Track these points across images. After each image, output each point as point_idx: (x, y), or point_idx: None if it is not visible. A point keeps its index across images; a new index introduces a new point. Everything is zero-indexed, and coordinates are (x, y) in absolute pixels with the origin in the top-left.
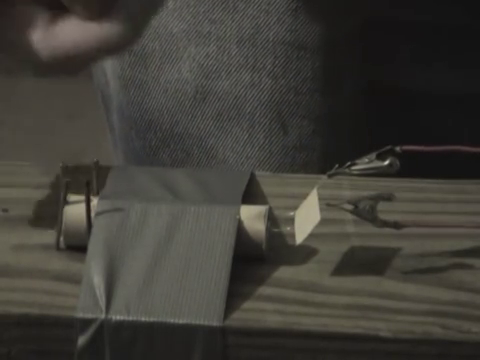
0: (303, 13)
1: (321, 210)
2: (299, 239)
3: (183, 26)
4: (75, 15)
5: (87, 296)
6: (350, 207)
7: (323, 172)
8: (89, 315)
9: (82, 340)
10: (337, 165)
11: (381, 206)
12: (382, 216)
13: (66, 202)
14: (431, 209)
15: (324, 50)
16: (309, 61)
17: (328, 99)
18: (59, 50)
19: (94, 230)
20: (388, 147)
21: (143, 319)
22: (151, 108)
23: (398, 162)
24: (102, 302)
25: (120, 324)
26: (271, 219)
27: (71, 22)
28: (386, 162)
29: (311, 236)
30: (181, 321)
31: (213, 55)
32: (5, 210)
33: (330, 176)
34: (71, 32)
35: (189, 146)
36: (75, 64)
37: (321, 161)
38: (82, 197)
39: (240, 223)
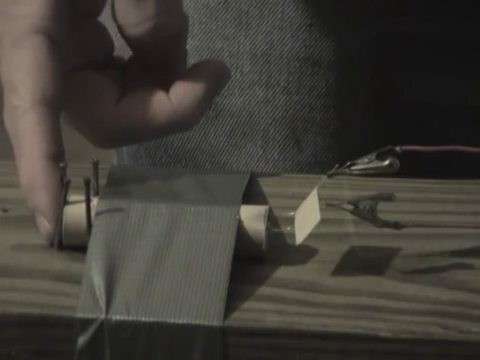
0: (317, 29)
1: (321, 210)
2: (299, 239)
3: (195, 43)
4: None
5: (87, 296)
6: (350, 207)
7: None
8: (89, 315)
9: (82, 340)
10: (337, 165)
11: (381, 206)
12: (382, 216)
13: (66, 202)
14: (431, 209)
15: (338, 65)
16: (323, 77)
17: (342, 114)
18: (126, 124)
19: (94, 230)
20: (388, 147)
21: (143, 319)
22: None
23: (398, 162)
24: (102, 302)
25: (120, 324)
26: (271, 219)
27: (141, 97)
28: (386, 162)
29: (311, 236)
30: (181, 321)
31: None
32: (5, 210)
33: (330, 176)
34: (140, 107)
35: (201, 162)
36: (140, 138)
37: None
38: (82, 197)
39: (240, 223)
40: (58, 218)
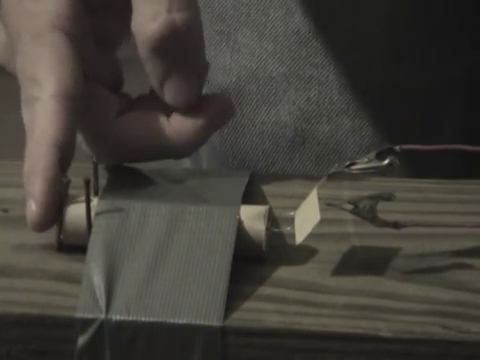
0: (407, 59)
1: (321, 210)
2: (299, 239)
3: (283, 70)
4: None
5: (87, 296)
6: (350, 207)
7: None
8: (89, 315)
9: (82, 340)
10: (337, 165)
11: (381, 206)
12: (382, 216)
13: (66, 202)
14: (431, 209)
15: (428, 96)
16: (412, 108)
17: (431, 145)
18: (123, 139)
19: (94, 230)
20: (387, 146)
21: (143, 319)
22: (245, 148)
23: (398, 161)
24: (102, 302)
25: (120, 324)
26: (271, 219)
27: (141, 115)
28: (386, 161)
29: (311, 236)
30: (181, 321)
31: (314, 100)
32: (5, 210)
33: (330, 176)
34: (138, 124)
35: None
36: (136, 156)
37: None
38: (82, 197)
39: (240, 223)
40: (58, 218)
